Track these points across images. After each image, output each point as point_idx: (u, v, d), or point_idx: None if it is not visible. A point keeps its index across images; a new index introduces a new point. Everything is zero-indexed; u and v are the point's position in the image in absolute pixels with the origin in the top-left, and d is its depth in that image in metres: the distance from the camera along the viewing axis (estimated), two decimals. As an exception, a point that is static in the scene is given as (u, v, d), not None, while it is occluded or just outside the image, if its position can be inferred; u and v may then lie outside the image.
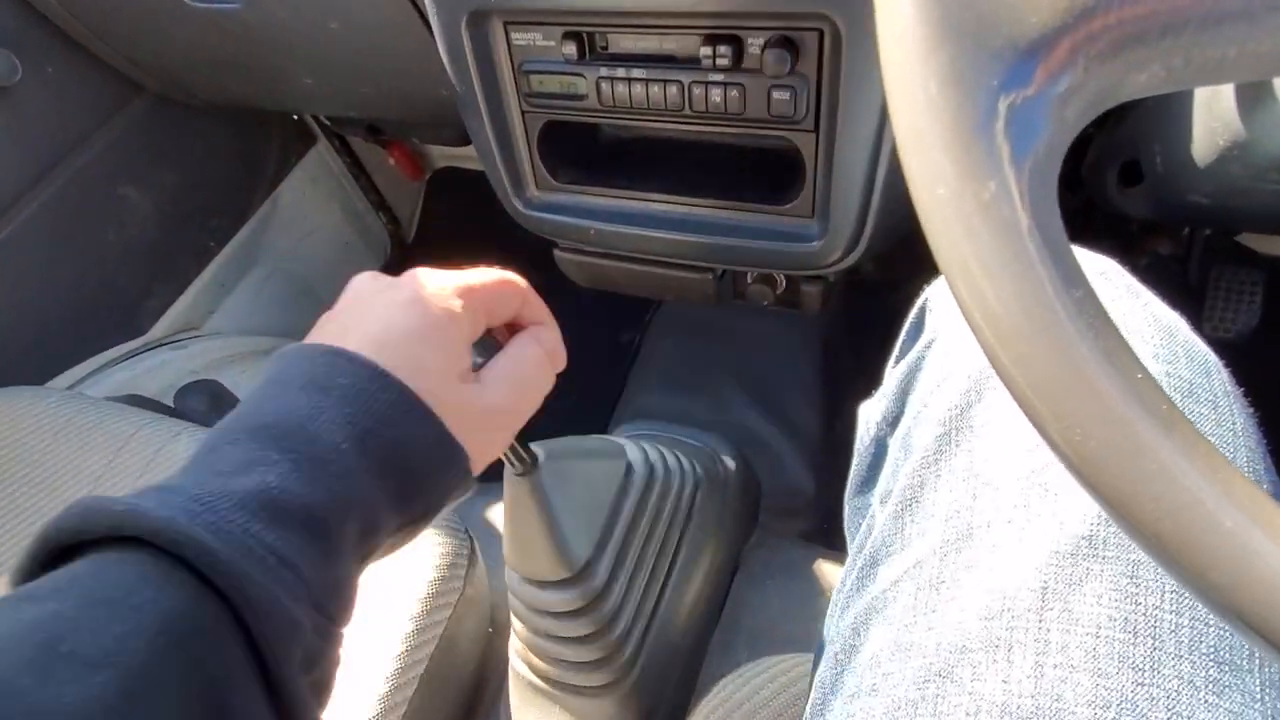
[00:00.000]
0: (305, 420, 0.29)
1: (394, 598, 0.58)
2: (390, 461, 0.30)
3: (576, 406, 1.21)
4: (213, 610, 0.24)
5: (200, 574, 0.24)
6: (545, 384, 0.39)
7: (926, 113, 0.20)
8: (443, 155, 1.50)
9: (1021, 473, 0.36)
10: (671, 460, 0.57)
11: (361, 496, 0.29)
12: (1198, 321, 0.90)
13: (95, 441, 0.75)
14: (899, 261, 0.99)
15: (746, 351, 1.09)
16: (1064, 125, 0.20)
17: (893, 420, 0.47)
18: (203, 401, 1.04)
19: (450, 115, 0.84)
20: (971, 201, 0.20)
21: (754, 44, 0.53)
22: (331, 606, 0.28)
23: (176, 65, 0.91)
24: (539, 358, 0.38)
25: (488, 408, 0.35)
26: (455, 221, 1.52)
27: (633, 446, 0.54)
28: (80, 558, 0.25)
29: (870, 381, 1.14)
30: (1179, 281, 0.92)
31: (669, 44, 0.56)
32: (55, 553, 0.25)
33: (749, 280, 0.70)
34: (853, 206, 0.57)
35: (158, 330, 1.11)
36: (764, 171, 0.63)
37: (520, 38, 0.59)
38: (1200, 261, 0.90)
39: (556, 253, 0.75)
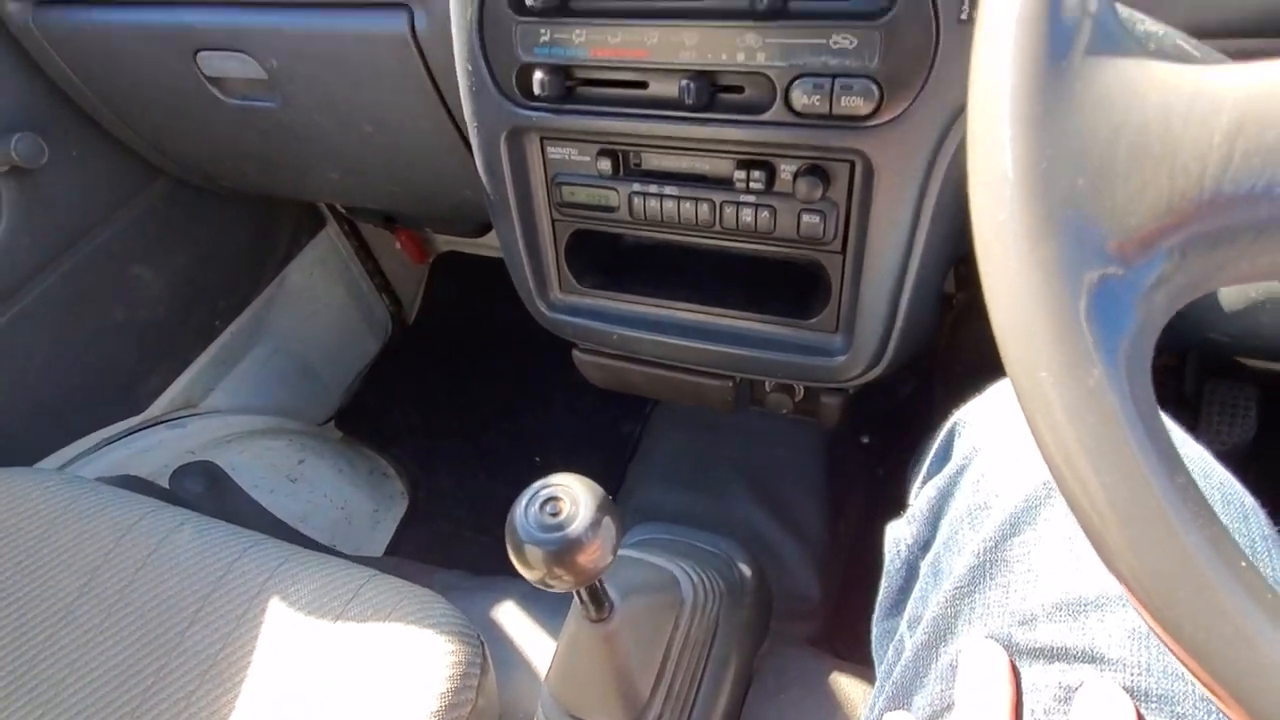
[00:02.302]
0: None
1: (405, 710, 0.56)
2: None
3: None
4: None
5: None
6: None
7: (1029, 302, 0.21)
8: (447, 240, 1.53)
9: (1058, 613, 0.36)
10: (702, 579, 0.56)
11: None
12: (1194, 434, 0.92)
13: (94, 529, 0.72)
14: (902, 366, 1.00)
15: (749, 447, 1.09)
16: (1155, 314, 0.22)
17: (923, 544, 0.47)
18: (199, 483, 1.02)
19: (469, 212, 0.86)
20: (1076, 388, 0.20)
21: (786, 170, 0.55)
22: None
23: (202, 155, 0.93)
24: None
25: None
26: (456, 304, 1.53)
27: (681, 574, 0.53)
28: None
29: (873, 481, 1.14)
30: (1175, 394, 0.94)
31: (702, 164, 0.58)
32: None
33: (767, 388, 0.71)
34: (878, 324, 0.59)
35: (156, 408, 1.10)
36: (787, 282, 0.65)
37: (556, 152, 0.61)
38: (1195, 375, 0.93)
39: (575, 354, 0.75)
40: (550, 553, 0.38)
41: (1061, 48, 0.21)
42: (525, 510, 0.39)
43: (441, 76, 0.65)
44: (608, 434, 1.27)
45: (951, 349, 1.10)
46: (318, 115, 0.75)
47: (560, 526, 0.38)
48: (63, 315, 0.95)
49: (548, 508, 0.39)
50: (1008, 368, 0.22)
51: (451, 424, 1.36)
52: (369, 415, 1.39)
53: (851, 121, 0.49)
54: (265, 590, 0.66)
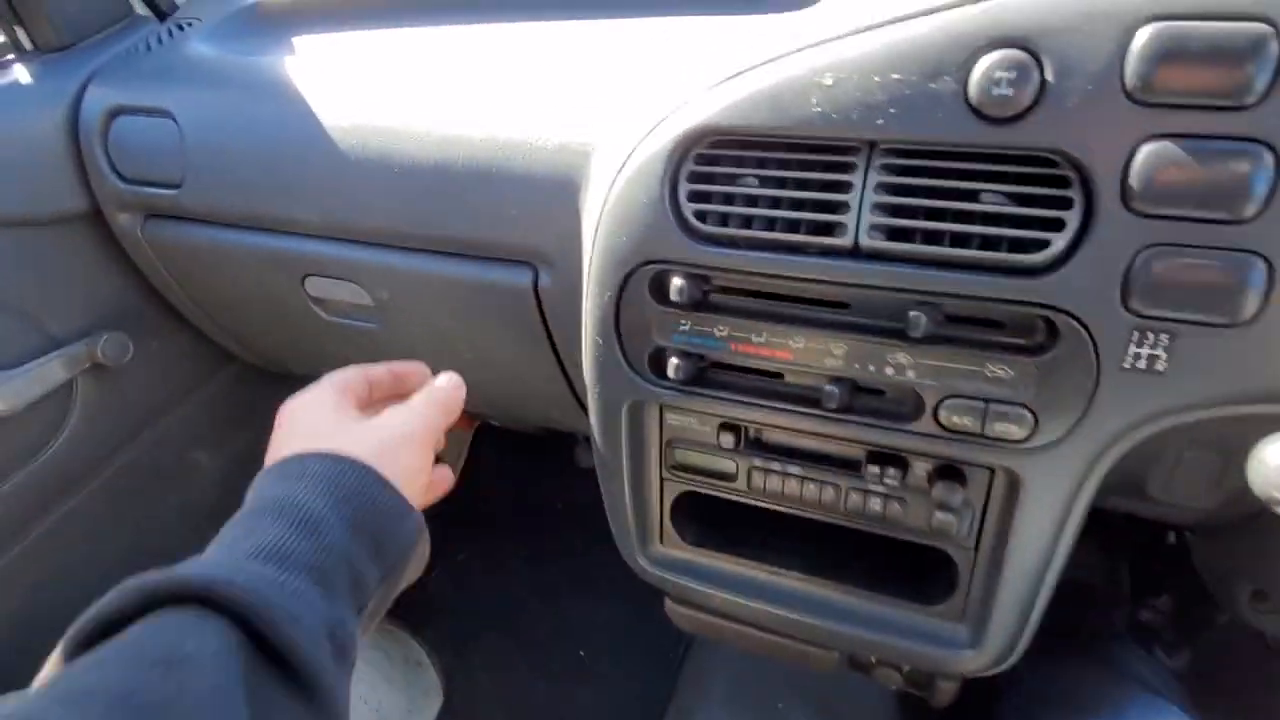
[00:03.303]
0: (294, 496, 0.40)
1: None
2: (362, 522, 0.41)
3: (624, 700, 1.13)
4: (238, 636, 0.33)
5: (229, 610, 0.33)
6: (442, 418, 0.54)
7: None
8: (493, 404, 1.52)
9: None
10: None
11: (344, 548, 0.39)
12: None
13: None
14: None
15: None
16: None
17: None
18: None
19: (544, 424, 0.85)
20: None
21: (921, 468, 0.54)
22: (340, 637, 0.37)
23: (285, 353, 0.93)
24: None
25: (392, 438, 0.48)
26: (497, 474, 1.51)
27: None
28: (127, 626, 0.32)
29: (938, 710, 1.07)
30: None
31: (830, 447, 0.58)
32: (101, 629, 0.33)
33: (874, 660, 0.67)
34: (1011, 619, 0.56)
35: (193, 594, 1.05)
36: (907, 556, 0.62)
37: (675, 420, 0.61)
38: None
39: (668, 603, 0.73)
40: None
41: None
42: None
43: (558, 331, 0.66)
44: (657, 629, 1.21)
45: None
46: (417, 339, 0.76)
47: None
48: (113, 510, 0.93)
49: None
50: None
51: (488, 606, 1.31)
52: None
53: (1001, 443, 0.49)
54: None
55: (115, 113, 0.76)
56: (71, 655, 0.32)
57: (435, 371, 0.81)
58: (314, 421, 0.48)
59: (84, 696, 0.29)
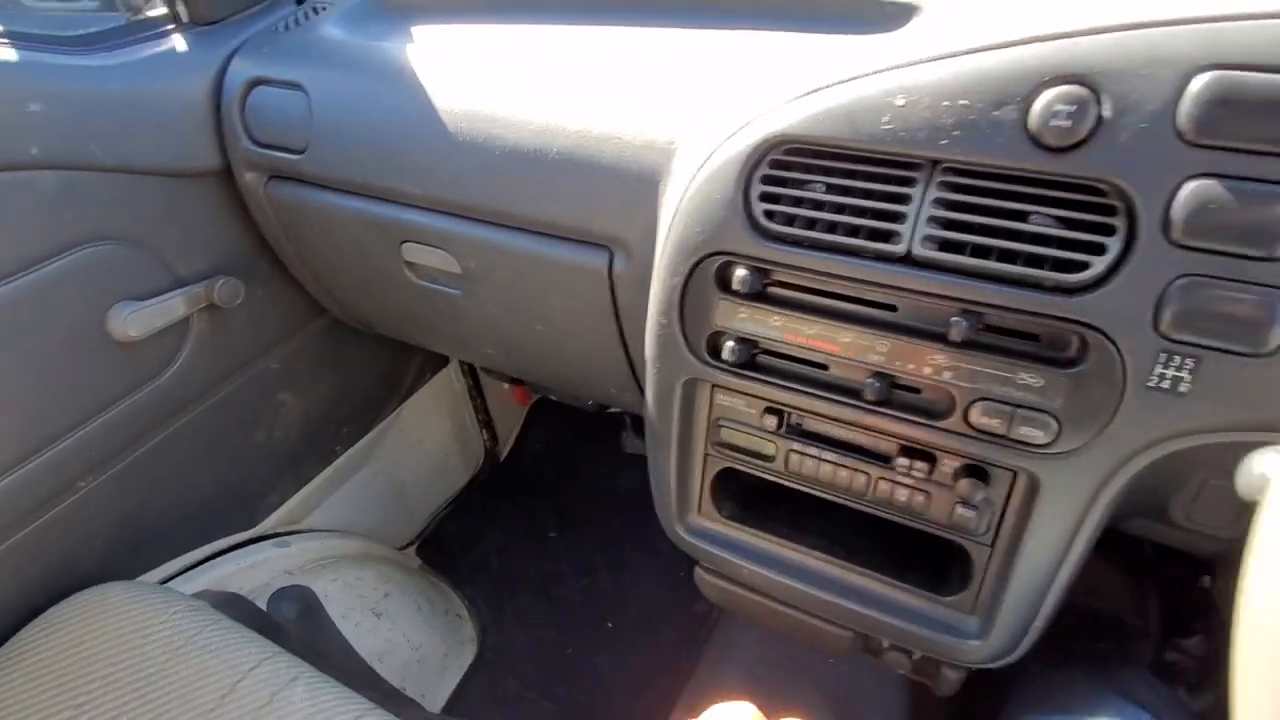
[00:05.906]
0: None
1: None
2: None
3: (645, 670, 1.19)
4: None
5: None
6: None
7: None
8: (550, 385, 1.60)
9: None
10: None
11: None
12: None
13: (214, 668, 0.75)
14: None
15: (830, 657, 1.07)
16: None
17: None
18: (294, 609, 1.06)
19: (601, 398, 0.92)
20: None
21: (948, 464, 0.59)
22: None
23: (371, 309, 1.02)
24: None
25: None
26: (549, 448, 1.58)
27: None
28: None
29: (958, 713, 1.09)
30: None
31: (863, 438, 0.62)
32: None
33: (885, 645, 0.71)
34: (1020, 615, 0.60)
35: (267, 525, 1.15)
36: (927, 548, 0.66)
37: (724, 400, 0.66)
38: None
39: (698, 571, 0.78)
40: None
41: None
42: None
43: (625, 311, 0.72)
44: (684, 609, 1.26)
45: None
46: (496, 309, 0.83)
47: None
48: (211, 437, 1.03)
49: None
50: None
51: (527, 570, 1.38)
52: (449, 547, 1.42)
53: (1025, 446, 0.53)
54: (373, 767, 0.68)
55: (255, 83, 0.86)
56: None
57: (505, 337, 0.89)
58: None
59: None
